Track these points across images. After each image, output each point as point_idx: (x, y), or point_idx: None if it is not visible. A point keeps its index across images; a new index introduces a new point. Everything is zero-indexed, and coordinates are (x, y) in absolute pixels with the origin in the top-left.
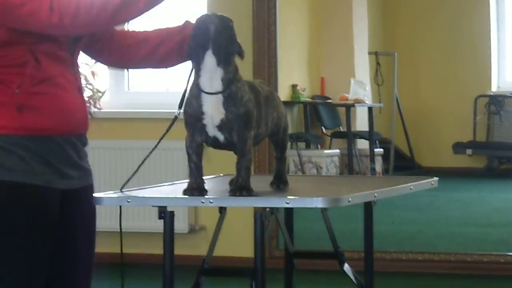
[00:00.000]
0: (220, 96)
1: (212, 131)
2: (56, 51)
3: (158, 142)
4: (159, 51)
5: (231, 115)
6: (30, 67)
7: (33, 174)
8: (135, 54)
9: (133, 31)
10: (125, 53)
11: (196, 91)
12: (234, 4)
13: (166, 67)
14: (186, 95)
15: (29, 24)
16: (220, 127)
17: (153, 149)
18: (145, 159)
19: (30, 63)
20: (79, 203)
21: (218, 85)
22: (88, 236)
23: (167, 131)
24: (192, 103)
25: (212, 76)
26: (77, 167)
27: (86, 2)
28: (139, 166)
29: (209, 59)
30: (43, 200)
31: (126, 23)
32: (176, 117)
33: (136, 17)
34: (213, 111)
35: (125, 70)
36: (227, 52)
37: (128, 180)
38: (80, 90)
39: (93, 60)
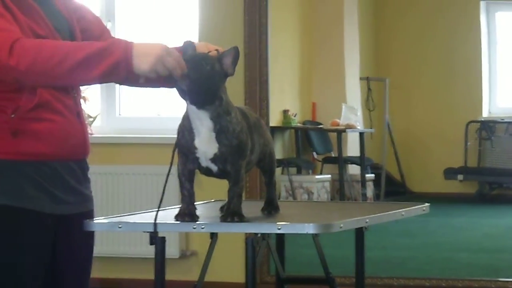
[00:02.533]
0: (212, 133)
1: (205, 162)
2: None
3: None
4: None
5: (224, 148)
6: (26, 93)
7: (26, 199)
8: None
9: None
10: None
11: (188, 125)
12: (225, 30)
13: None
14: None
15: None
16: (213, 160)
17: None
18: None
19: (26, 89)
20: (76, 229)
21: (207, 123)
22: (82, 262)
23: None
24: (184, 135)
25: (200, 116)
26: (74, 193)
27: (46, 52)
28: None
29: (190, 107)
30: (35, 225)
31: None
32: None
33: (92, 82)
34: (206, 147)
35: (134, 87)
36: (205, 100)
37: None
38: (79, 114)
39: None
